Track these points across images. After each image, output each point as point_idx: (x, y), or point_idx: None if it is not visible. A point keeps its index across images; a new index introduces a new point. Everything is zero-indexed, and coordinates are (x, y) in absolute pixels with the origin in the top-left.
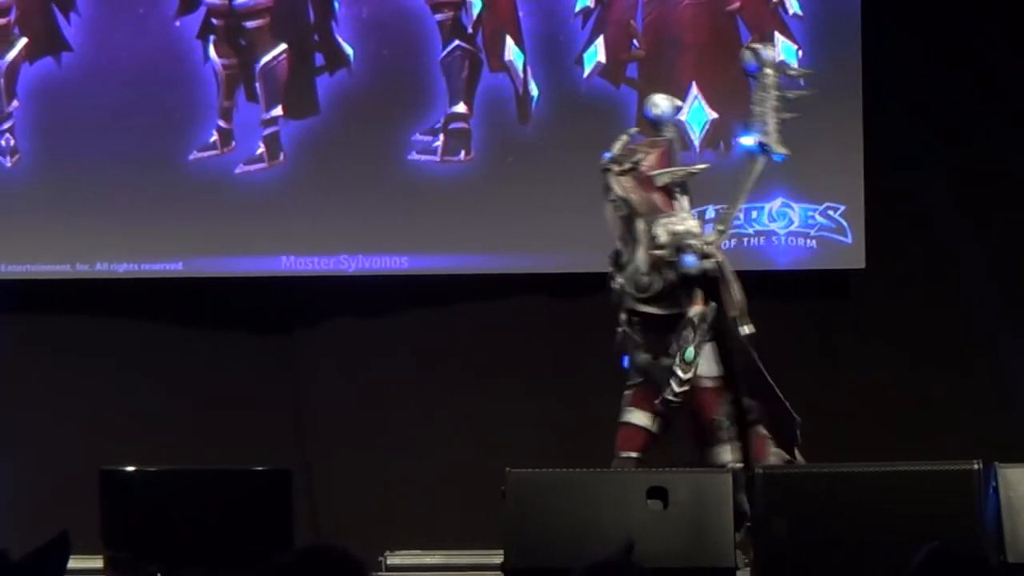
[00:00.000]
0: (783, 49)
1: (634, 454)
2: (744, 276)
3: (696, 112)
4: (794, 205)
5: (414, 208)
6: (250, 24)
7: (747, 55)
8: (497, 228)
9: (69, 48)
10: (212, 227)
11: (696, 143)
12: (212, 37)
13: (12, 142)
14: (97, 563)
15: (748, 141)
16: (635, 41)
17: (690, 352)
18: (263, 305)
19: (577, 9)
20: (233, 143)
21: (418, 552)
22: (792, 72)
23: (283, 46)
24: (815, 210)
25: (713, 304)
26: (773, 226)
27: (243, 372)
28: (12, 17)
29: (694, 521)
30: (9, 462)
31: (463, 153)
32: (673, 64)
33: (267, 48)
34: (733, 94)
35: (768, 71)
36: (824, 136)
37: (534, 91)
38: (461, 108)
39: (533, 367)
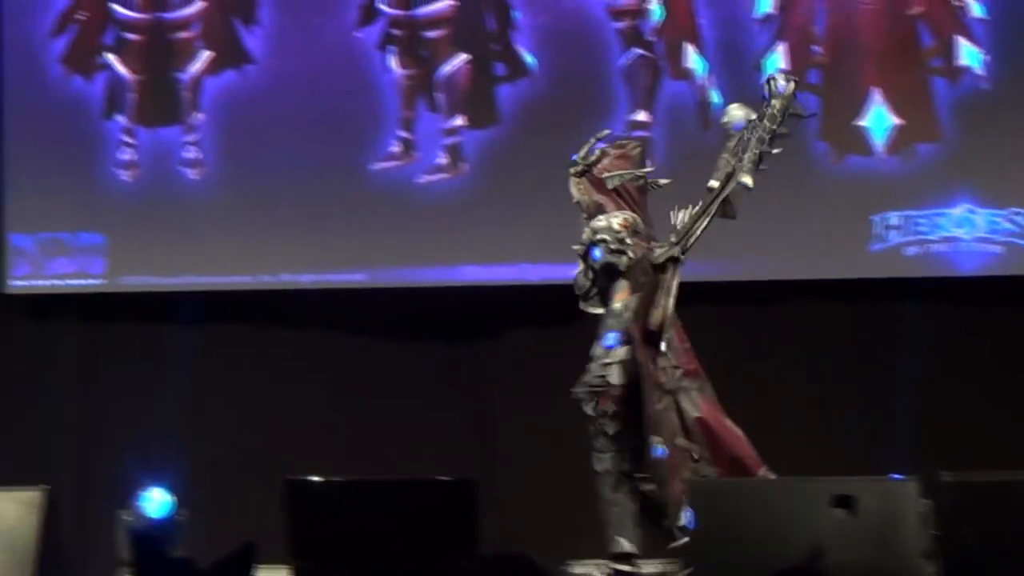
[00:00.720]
0: (967, 53)
1: None
2: (929, 283)
3: (878, 118)
4: (979, 211)
5: None
6: (431, 34)
7: (735, 115)
8: None
9: (252, 60)
10: (395, 237)
11: (879, 149)
12: (393, 47)
13: (197, 154)
14: (282, 573)
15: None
16: (816, 47)
17: (610, 338)
18: (445, 315)
19: (758, 15)
20: (415, 153)
21: (602, 562)
22: (794, 111)
23: (464, 56)
24: (1001, 215)
25: (625, 300)
26: (957, 232)
27: (426, 382)
28: (196, 31)
29: (881, 529)
30: (196, 472)
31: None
32: (854, 69)
33: (448, 58)
34: (915, 99)
35: (775, 103)
36: (1008, 140)
37: (715, 98)
38: (642, 116)
39: (716, 374)
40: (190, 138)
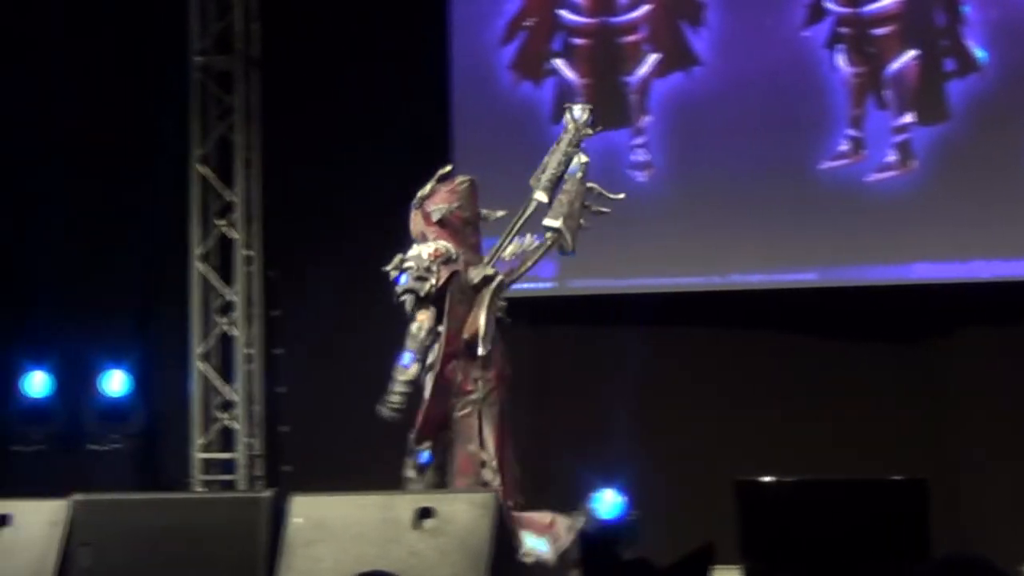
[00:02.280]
0: None
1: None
2: None
3: None
4: None
5: None
6: (879, 31)
7: (577, 159)
8: None
9: (699, 62)
10: (844, 236)
11: None
12: (841, 46)
13: (645, 156)
14: (734, 574)
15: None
16: None
17: (405, 357)
18: (896, 313)
19: None
20: (864, 151)
21: None
22: (585, 135)
23: (912, 52)
24: None
25: (423, 321)
26: None
27: (875, 381)
28: (643, 34)
29: None
30: (648, 472)
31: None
32: None
33: (896, 54)
34: None
35: (570, 128)
36: None
37: None
38: None
39: None
40: (638, 141)
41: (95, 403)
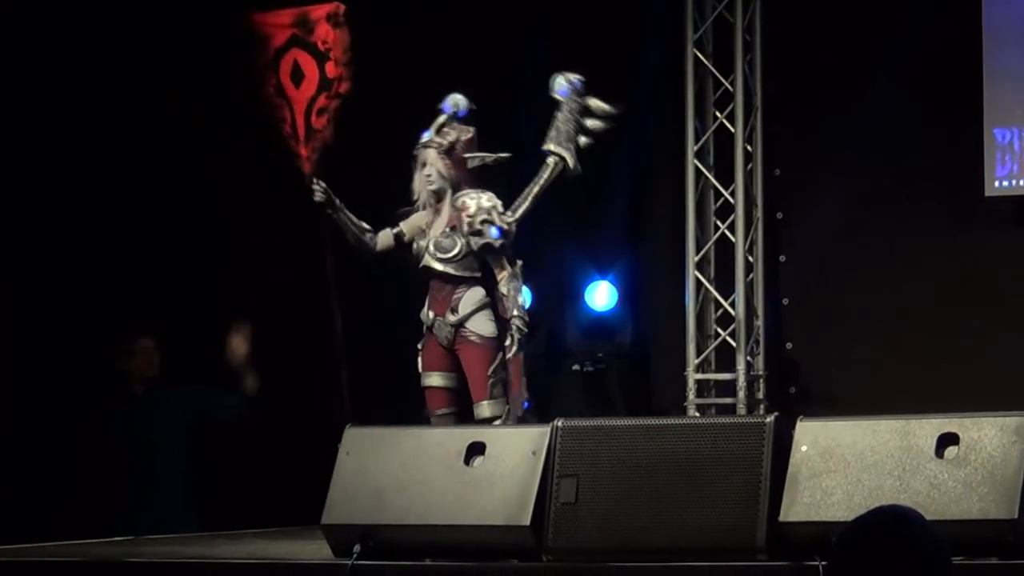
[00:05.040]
0: None
1: (445, 410)
2: None
3: None
4: None
5: None
6: None
7: (560, 81)
8: None
9: None
10: None
11: None
12: None
13: None
14: None
15: (549, 147)
16: None
17: (526, 295)
18: None
19: None
20: None
21: None
22: (594, 106)
23: None
24: None
25: (504, 276)
26: None
27: None
28: None
29: None
30: None
31: None
32: None
33: None
34: None
35: (576, 99)
36: None
37: None
38: None
39: None
40: None
41: (579, 319)
